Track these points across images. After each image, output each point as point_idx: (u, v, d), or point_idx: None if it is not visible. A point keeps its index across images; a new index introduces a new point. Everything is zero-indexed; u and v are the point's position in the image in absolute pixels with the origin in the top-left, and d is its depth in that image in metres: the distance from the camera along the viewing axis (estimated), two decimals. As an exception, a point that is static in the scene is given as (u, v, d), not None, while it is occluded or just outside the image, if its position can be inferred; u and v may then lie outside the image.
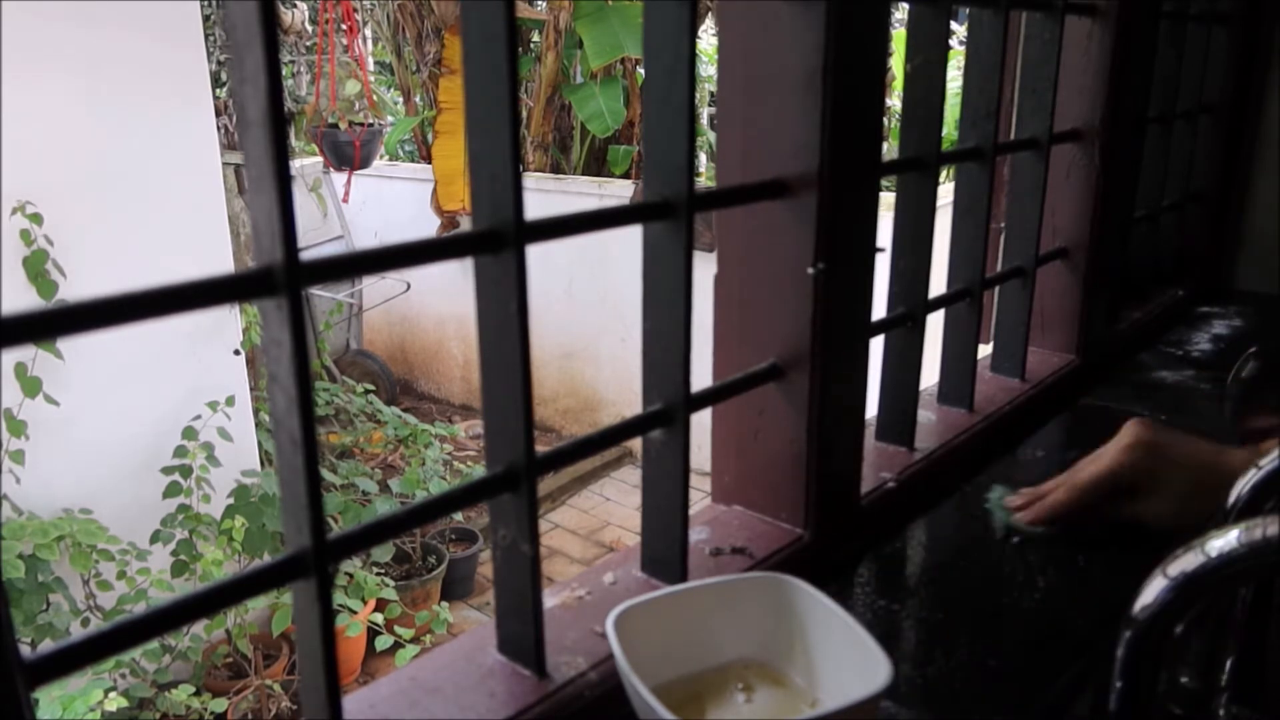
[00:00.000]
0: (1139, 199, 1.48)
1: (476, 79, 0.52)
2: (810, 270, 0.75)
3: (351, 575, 2.79)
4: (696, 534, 0.81)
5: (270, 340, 0.45)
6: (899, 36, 3.15)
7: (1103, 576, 0.84)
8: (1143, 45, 1.24)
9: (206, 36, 3.06)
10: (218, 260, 2.96)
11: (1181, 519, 0.81)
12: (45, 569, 2.42)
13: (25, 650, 0.38)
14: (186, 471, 2.72)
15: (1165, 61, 1.44)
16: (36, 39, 2.44)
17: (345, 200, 4.75)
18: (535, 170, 4.99)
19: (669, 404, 0.67)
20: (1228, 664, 0.69)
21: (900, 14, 2.20)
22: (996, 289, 1.16)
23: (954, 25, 2.25)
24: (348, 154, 4.41)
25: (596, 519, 4.18)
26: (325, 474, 3.07)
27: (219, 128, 3.31)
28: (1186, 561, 0.50)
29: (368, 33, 6.01)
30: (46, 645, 2.32)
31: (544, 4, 4.85)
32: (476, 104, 0.52)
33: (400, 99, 5.58)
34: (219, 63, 4.63)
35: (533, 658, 0.63)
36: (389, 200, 5.25)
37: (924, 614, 0.79)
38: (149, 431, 2.80)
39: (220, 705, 2.60)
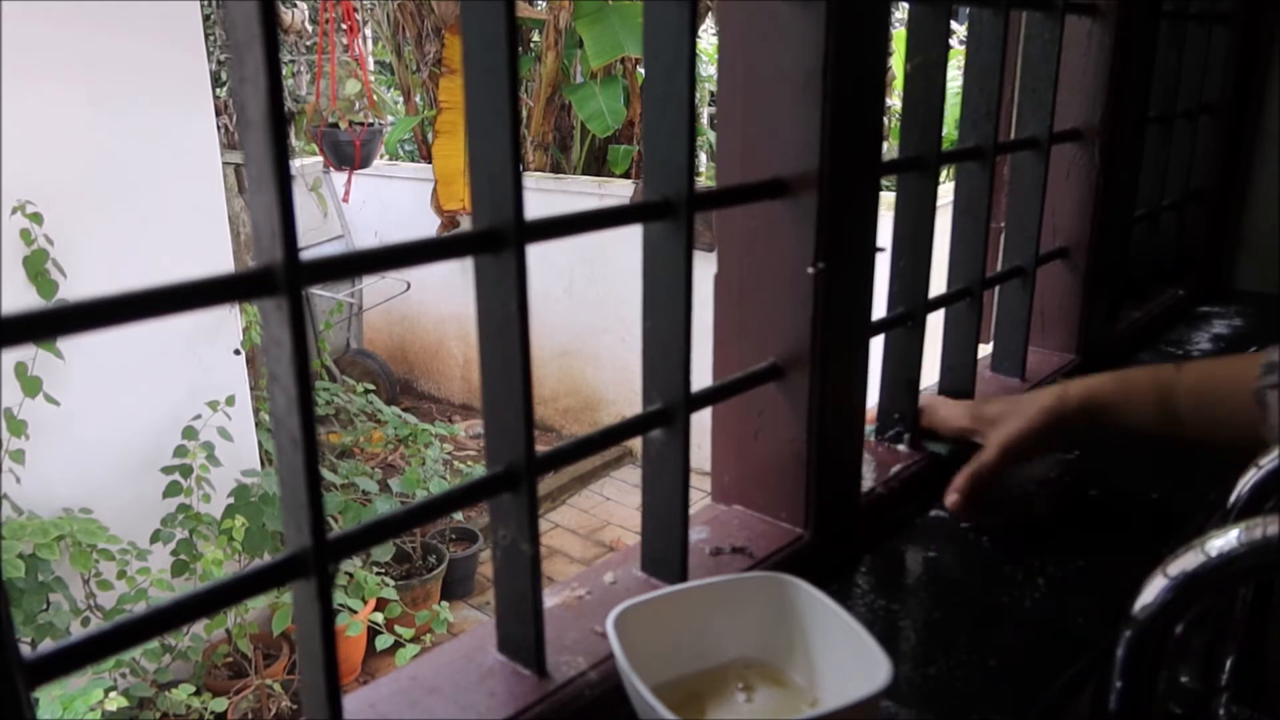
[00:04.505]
0: (1139, 199, 1.48)
1: (476, 79, 0.52)
2: (810, 270, 0.75)
3: (351, 575, 2.79)
4: (696, 534, 0.81)
5: (270, 340, 0.45)
6: (899, 36, 3.15)
7: (1103, 576, 0.84)
8: (1143, 45, 1.24)
9: (206, 36, 3.06)
10: (218, 260, 2.96)
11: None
12: (45, 568, 2.42)
13: (25, 650, 0.38)
14: (186, 471, 2.72)
15: (1165, 61, 1.44)
16: (37, 39, 2.44)
17: (345, 200, 4.75)
18: (535, 170, 4.99)
19: (669, 403, 0.67)
20: (1228, 664, 0.69)
21: (900, 14, 2.20)
22: (996, 288, 1.16)
23: (954, 25, 2.25)
24: (348, 154, 4.41)
25: (596, 519, 4.18)
26: (325, 474, 3.07)
27: (219, 128, 3.31)
28: (1186, 561, 0.50)
29: (368, 32, 6.00)
30: (46, 645, 2.32)
31: (544, 4, 4.85)
32: (476, 104, 0.52)
33: (400, 99, 5.58)
34: (219, 63, 4.63)
35: (533, 657, 0.63)
36: (389, 200, 5.25)
37: (924, 614, 0.79)
38: (149, 431, 2.81)
39: (220, 705, 2.60)
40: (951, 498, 0.91)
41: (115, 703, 2.19)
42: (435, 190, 4.76)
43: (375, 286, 4.95)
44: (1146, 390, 0.89)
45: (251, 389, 3.19)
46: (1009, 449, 0.91)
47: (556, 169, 5.19)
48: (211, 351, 2.98)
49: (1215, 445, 0.88)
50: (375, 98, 5.06)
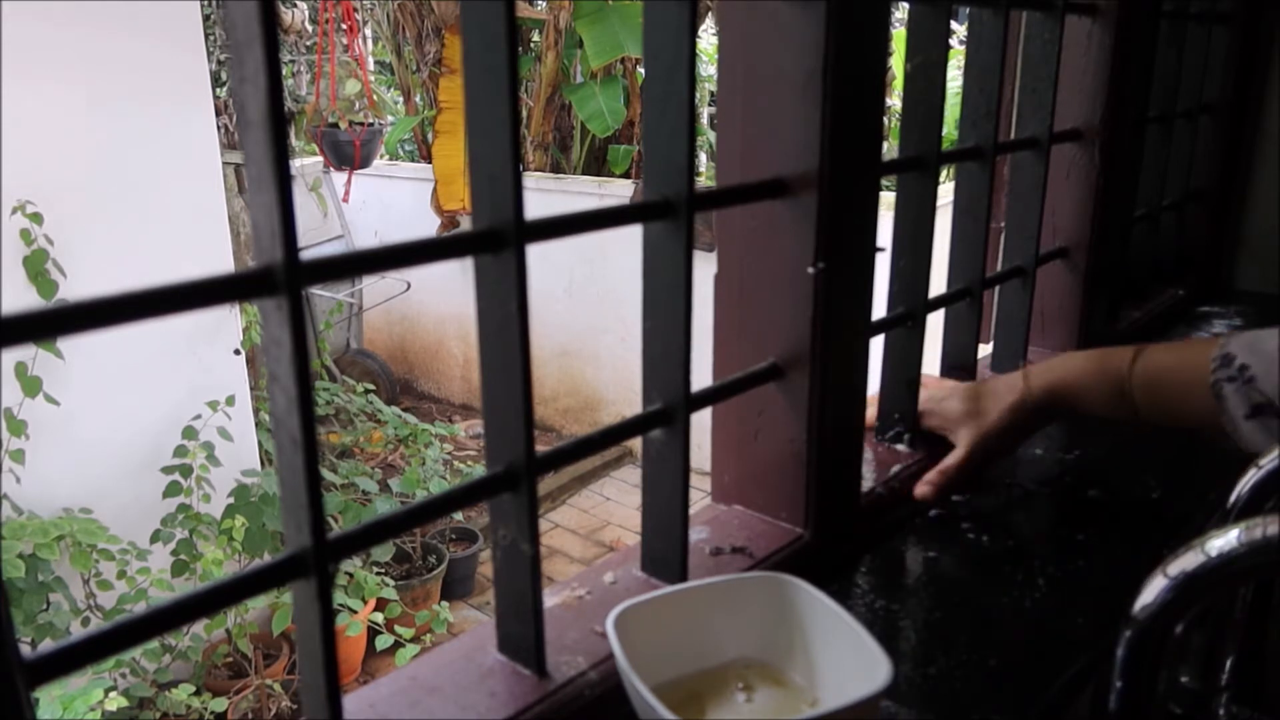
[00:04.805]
0: (1139, 199, 1.48)
1: (476, 79, 0.52)
2: (810, 270, 0.75)
3: (351, 575, 2.79)
4: (696, 534, 0.81)
5: (270, 340, 0.45)
6: (899, 36, 3.15)
7: (1103, 576, 0.84)
8: (1143, 45, 1.24)
9: (206, 36, 3.06)
10: (218, 260, 2.96)
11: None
12: (45, 568, 2.42)
13: (25, 649, 0.38)
14: (187, 471, 2.72)
15: (1165, 61, 1.44)
16: (37, 39, 2.44)
17: (345, 200, 4.75)
18: (535, 170, 4.99)
19: (669, 403, 0.67)
20: (1228, 664, 0.69)
21: (900, 14, 2.20)
22: (996, 288, 1.16)
23: (954, 25, 2.25)
24: (348, 153, 4.41)
25: (596, 519, 4.18)
26: (325, 473, 3.07)
27: (219, 128, 3.31)
28: (1186, 561, 0.50)
29: (368, 32, 6.00)
30: (46, 645, 2.32)
31: (544, 4, 4.85)
32: (476, 104, 0.52)
33: (400, 98, 5.58)
34: (219, 63, 4.63)
35: (533, 657, 0.63)
36: (389, 200, 5.25)
37: (924, 614, 0.79)
38: (149, 431, 2.80)
39: (220, 705, 2.60)
40: (921, 489, 0.94)
41: (115, 703, 2.19)
42: (435, 190, 4.76)
43: (375, 286, 4.95)
44: (1104, 384, 0.91)
45: (251, 389, 3.19)
46: (976, 450, 0.95)
47: (556, 169, 5.19)
48: (211, 351, 2.98)
49: (1174, 429, 0.91)
50: (375, 98, 5.06)
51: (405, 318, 5.39)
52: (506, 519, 0.60)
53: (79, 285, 2.58)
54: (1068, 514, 0.96)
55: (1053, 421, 0.96)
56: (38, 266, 2.50)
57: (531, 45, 5.00)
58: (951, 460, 0.94)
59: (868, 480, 0.92)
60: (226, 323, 3.01)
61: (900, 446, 0.99)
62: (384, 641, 2.71)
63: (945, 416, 0.97)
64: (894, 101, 4.58)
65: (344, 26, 4.80)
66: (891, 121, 4.46)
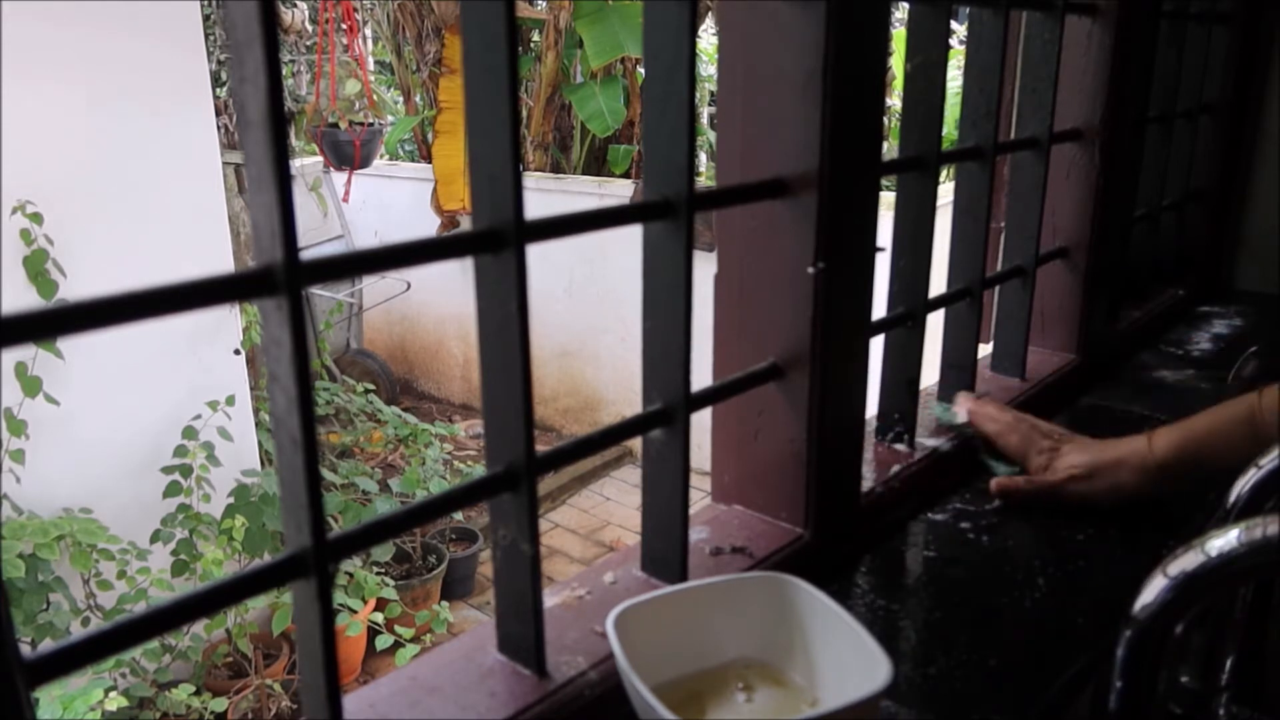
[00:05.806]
0: (1139, 199, 1.48)
1: (476, 79, 0.52)
2: (810, 270, 0.75)
3: (351, 575, 2.79)
4: (696, 533, 0.81)
5: (270, 340, 0.45)
6: (899, 36, 3.15)
7: (1103, 576, 0.84)
8: (1143, 45, 1.24)
9: (206, 36, 3.06)
10: (218, 260, 2.95)
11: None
12: (45, 568, 2.42)
13: (25, 649, 0.38)
14: (187, 471, 2.72)
15: (1165, 61, 1.44)
16: (37, 39, 2.44)
17: (345, 200, 4.74)
18: (535, 170, 4.99)
19: (669, 403, 0.67)
20: (1228, 663, 0.69)
21: (900, 14, 2.20)
22: (996, 288, 1.16)
23: (954, 25, 2.25)
24: (348, 153, 4.41)
25: (596, 518, 4.18)
26: (325, 473, 3.07)
27: (219, 128, 3.30)
28: (1186, 561, 0.50)
29: (368, 32, 6.00)
30: (46, 644, 2.32)
31: (544, 4, 4.85)
32: (476, 104, 0.52)
33: (400, 98, 5.58)
34: (219, 63, 4.63)
35: (533, 657, 0.63)
36: (389, 200, 5.25)
37: (924, 614, 0.79)
38: (149, 431, 2.80)
39: (220, 705, 2.60)
40: (1002, 484, 0.94)
41: (115, 703, 2.19)
42: (435, 190, 4.76)
43: (375, 286, 4.94)
44: (1235, 419, 0.86)
45: (251, 389, 3.19)
46: (1074, 496, 0.93)
47: (556, 169, 5.19)
48: (211, 351, 2.98)
49: None
50: (375, 98, 5.06)
51: (405, 318, 5.39)
52: (506, 519, 0.60)
53: (79, 285, 2.57)
54: (1068, 514, 0.96)
55: (1178, 488, 0.91)
56: (38, 266, 2.50)
57: (531, 45, 5.00)
58: (1044, 484, 0.93)
59: (868, 480, 0.92)
60: (226, 323, 3.01)
61: (900, 446, 0.99)
62: (384, 641, 2.70)
63: (1052, 466, 0.94)
64: (894, 101, 4.58)
65: (344, 26, 4.80)
66: (891, 121, 4.46)
